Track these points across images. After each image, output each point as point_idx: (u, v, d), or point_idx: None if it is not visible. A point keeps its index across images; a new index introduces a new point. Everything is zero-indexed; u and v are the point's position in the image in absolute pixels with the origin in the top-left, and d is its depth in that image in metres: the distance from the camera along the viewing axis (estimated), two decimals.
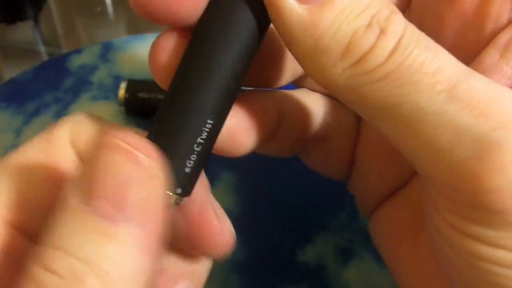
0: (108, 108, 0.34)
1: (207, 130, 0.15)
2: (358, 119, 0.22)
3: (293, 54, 0.15)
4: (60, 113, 0.34)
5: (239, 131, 0.18)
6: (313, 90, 0.22)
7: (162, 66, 0.16)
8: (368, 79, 0.14)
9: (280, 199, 0.29)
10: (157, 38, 0.16)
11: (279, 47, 0.18)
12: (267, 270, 0.27)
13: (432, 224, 0.16)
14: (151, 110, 0.33)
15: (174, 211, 0.17)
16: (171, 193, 0.15)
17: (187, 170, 0.15)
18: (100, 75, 0.36)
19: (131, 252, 0.13)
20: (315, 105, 0.21)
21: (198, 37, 0.15)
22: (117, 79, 0.35)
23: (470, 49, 0.17)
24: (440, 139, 0.14)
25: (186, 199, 0.16)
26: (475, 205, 0.14)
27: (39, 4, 0.44)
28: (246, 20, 0.15)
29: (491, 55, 0.16)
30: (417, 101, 0.13)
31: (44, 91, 0.35)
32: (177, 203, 0.16)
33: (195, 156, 0.15)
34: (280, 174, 0.30)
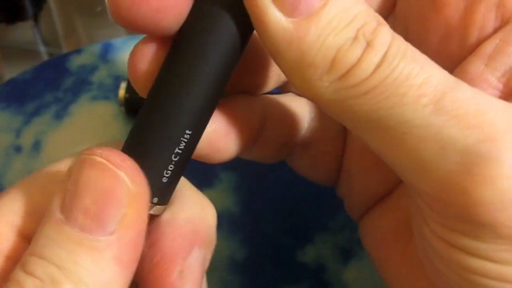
0: (108, 108, 0.34)
1: (185, 140, 0.15)
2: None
3: (279, 66, 0.15)
4: (60, 113, 0.34)
5: (218, 137, 0.18)
6: (299, 95, 0.21)
7: (141, 73, 0.16)
8: (354, 92, 0.14)
9: (280, 199, 0.29)
10: (136, 45, 0.16)
11: (263, 54, 0.18)
12: (267, 270, 0.27)
13: (421, 235, 0.16)
14: None
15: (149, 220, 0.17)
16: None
17: (164, 180, 0.15)
18: (100, 75, 0.36)
19: (107, 263, 0.13)
20: (300, 110, 0.21)
21: (178, 46, 0.15)
22: (117, 79, 0.35)
23: (454, 57, 0.16)
24: (427, 152, 0.13)
25: (162, 208, 0.16)
26: (463, 218, 0.14)
27: (39, 4, 0.44)
28: (227, 29, 0.14)
29: (476, 64, 0.16)
30: (403, 114, 0.13)
31: (44, 91, 0.35)
32: (152, 212, 0.16)
33: (172, 166, 0.15)
34: (280, 174, 0.30)
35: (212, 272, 0.27)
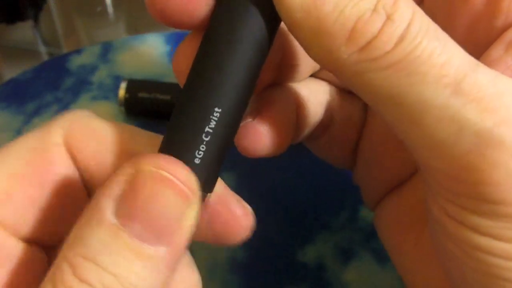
0: (108, 108, 0.34)
1: (215, 119, 0.15)
2: (365, 109, 0.22)
3: (296, 38, 0.15)
4: (60, 113, 0.34)
5: (265, 134, 0.18)
6: (318, 78, 0.22)
7: (183, 70, 0.16)
8: (374, 66, 0.14)
9: (280, 199, 0.29)
10: (180, 44, 0.17)
11: (295, 46, 0.18)
12: (267, 270, 0.27)
13: (431, 215, 0.16)
14: (151, 110, 0.33)
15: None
16: None
17: (197, 161, 0.15)
18: (100, 75, 0.36)
19: (159, 271, 0.14)
20: (321, 92, 0.21)
21: (209, 32, 0.15)
22: (117, 79, 0.35)
23: (480, 45, 0.17)
24: (443, 131, 0.14)
25: (204, 194, 0.16)
26: (474, 196, 0.14)
27: (39, 4, 0.44)
28: (256, 14, 0.15)
29: (496, 49, 0.16)
30: (423, 93, 0.13)
31: (44, 91, 0.35)
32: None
33: (204, 146, 0.15)
34: (281, 174, 0.30)
35: (212, 272, 0.27)
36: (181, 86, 0.17)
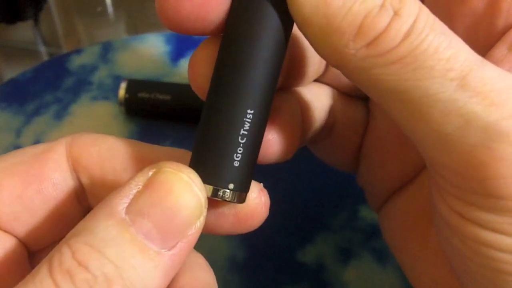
0: (108, 108, 0.34)
1: (249, 121, 0.15)
2: (367, 112, 0.22)
3: (304, 34, 0.15)
4: (60, 113, 0.34)
5: (272, 143, 0.18)
6: (321, 82, 0.22)
7: (200, 77, 0.16)
8: (381, 61, 0.14)
9: (280, 199, 0.29)
10: (194, 51, 0.17)
11: (303, 50, 0.19)
12: (267, 270, 0.27)
13: (437, 212, 0.16)
14: (151, 110, 0.33)
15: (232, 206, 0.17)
16: (222, 188, 0.15)
17: (236, 164, 0.15)
18: (100, 75, 0.36)
19: (158, 272, 0.14)
20: (324, 96, 0.21)
21: (228, 34, 0.15)
22: (117, 79, 0.35)
23: (481, 45, 0.17)
24: (449, 125, 0.14)
25: (241, 194, 0.16)
26: (480, 191, 0.14)
27: (39, 4, 0.44)
28: (272, 12, 0.15)
29: (500, 49, 0.16)
30: (430, 87, 0.13)
31: (44, 91, 0.35)
32: (235, 199, 0.16)
33: (241, 149, 0.15)
34: (281, 174, 0.30)
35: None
36: (197, 92, 0.17)
